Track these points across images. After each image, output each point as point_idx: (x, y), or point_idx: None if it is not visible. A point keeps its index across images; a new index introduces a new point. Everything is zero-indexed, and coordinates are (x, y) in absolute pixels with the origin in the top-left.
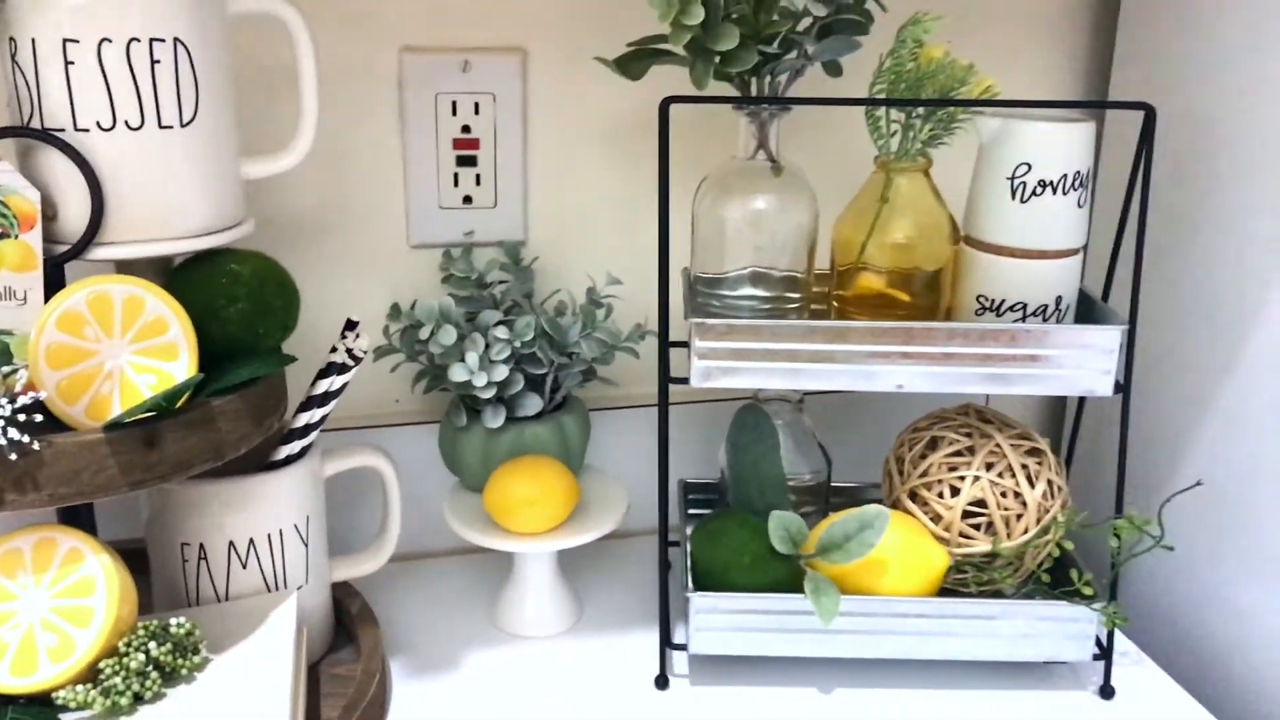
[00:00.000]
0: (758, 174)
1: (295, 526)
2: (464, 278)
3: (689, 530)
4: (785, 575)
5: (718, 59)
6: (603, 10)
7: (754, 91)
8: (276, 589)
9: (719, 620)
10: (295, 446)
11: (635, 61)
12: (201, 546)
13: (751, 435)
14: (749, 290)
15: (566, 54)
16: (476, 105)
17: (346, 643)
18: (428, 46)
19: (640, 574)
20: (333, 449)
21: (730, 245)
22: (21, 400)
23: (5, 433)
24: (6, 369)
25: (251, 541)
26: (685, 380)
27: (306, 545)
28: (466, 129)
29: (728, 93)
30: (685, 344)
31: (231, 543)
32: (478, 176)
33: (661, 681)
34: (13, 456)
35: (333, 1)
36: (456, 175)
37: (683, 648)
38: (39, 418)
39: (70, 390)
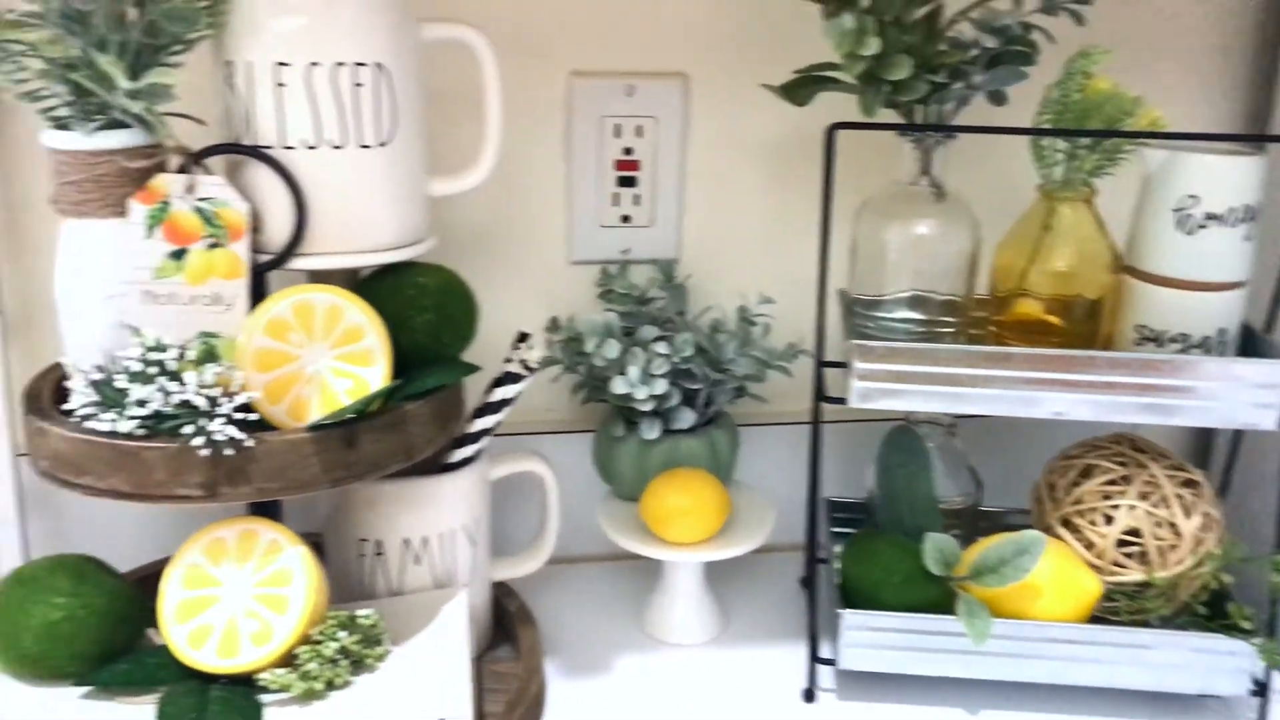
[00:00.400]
0: (920, 199)
1: (464, 527)
2: (626, 294)
3: (835, 548)
4: (935, 596)
5: (888, 88)
6: (760, 38)
7: (919, 119)
8: (445, 586)
9: (868, 637)
10: (469, 450)
11: (801, 88)
12: (379, 542)
13: (903, 456)
14: (906, 313)
15: (726, 79)
16: (639, 128)
17: (504, 641)
18: (595, 71)
19: (781, 588)
20: (497, 453)
21: (891, 268)
22: (239, 399)
23: (225, 430)
24: (219, 368)
25: (425, 539)
26: (842, 400)
27: (475, 545)
28: (628, 151)
29: (893, 119)
30: (840, 364)
31: (406, 540)
32: (636, 196)
33: (808, 695)
34: (228, 452)
35: (508, 29)
36: (617, 195)
37: (830, 663)
38: (254, 416)
39: (274, 391)
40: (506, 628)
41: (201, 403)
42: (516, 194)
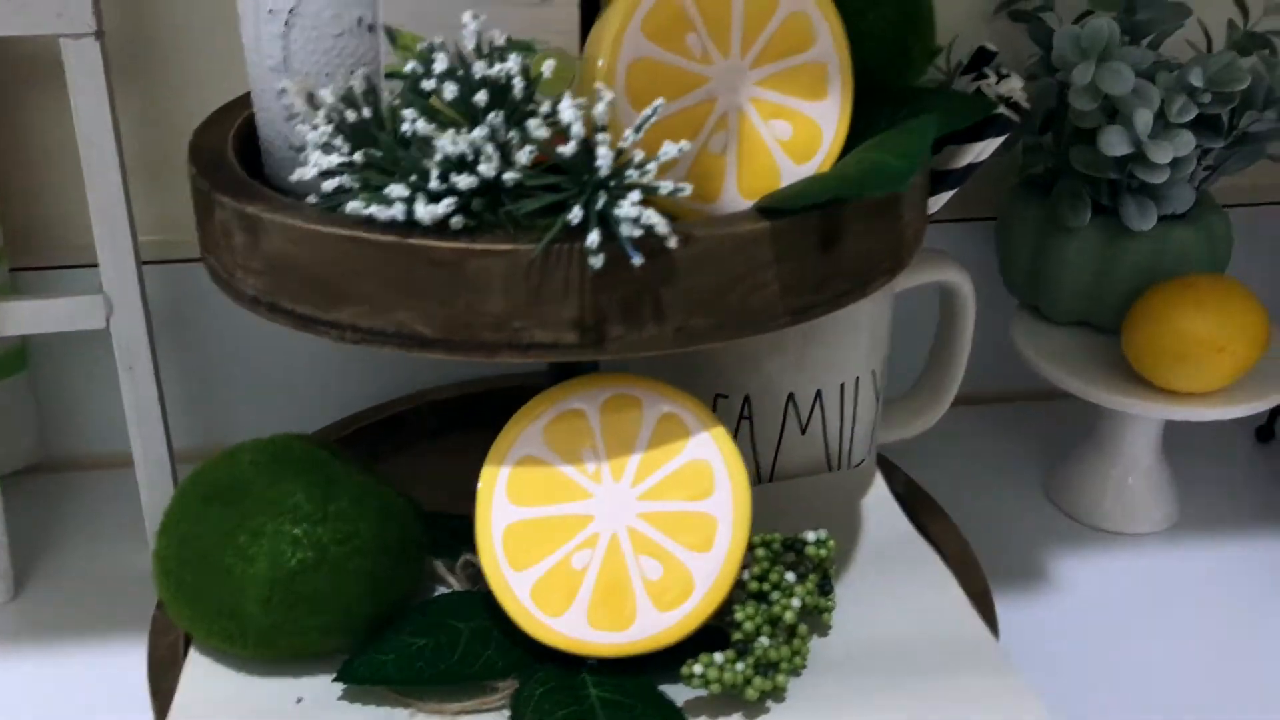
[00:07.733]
0: None
1: (873, 372)
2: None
3: None
4: None
5: None
6: None
7: None
8: (837, 466)
9: None
10: None
11: None
12: (747, 401)
13: None
14: None
15: None
16: None
17: None
18: None
19: (1230, 459)
20: None
21: None
22: (666, 153)
23: (639, 219)
24: (550, 105)
25: (819, 394)
26: None
27: (878, 399)
28: None
29: None
30: None
31: (791, 396)
32: None
33: None
34: (636, 260)
35: None
36: None
37: None
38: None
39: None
40: None
41: (604, 165)
42: None
